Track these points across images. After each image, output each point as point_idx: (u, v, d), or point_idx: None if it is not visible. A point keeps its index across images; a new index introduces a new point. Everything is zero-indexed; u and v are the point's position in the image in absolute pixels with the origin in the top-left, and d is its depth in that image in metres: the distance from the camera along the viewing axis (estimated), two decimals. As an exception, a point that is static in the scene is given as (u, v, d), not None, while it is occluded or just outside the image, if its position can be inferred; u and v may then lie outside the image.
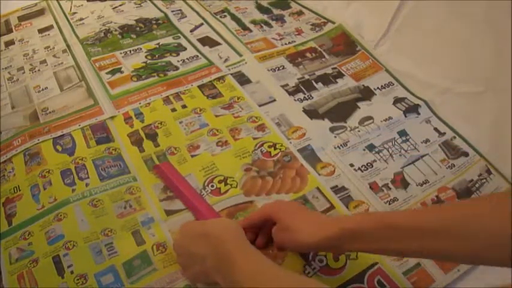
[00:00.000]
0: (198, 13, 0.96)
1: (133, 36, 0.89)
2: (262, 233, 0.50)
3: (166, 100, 0.72)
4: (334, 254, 0.51)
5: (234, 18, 0.93)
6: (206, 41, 0.87)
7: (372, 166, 0.61)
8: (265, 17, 0.94)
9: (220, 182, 0.59)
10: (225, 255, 0.40)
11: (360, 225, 0.41)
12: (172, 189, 0.59)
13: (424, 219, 0.39)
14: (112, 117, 0.70)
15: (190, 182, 0.59)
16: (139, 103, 0.72)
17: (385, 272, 0.50)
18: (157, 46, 0.86)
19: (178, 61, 0.81)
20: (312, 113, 0.70)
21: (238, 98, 0.72)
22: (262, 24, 0.91)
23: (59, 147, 0.65)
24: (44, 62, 0.84)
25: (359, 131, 0.67)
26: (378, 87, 0.74)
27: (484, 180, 0.60)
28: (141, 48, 0.85)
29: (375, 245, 0.41)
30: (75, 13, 0.98)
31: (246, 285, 0.37)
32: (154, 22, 0.93)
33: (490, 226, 0.35)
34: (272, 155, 0.63)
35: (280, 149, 0.64)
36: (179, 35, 0.89)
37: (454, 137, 0.65)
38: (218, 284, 0.42)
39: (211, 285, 0.48)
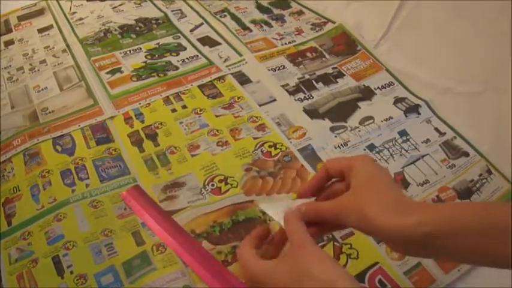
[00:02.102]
0: (198, 13, 0.96)
1: (133, 36, 0.89)
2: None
3: (167, 100, 0.72)
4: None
5: (234, 18, 0.93)
6: (206, 41, 0.87)
7: (373, 166, 0.61)
8: (265, 16, 0.94)
9: (220, 181, 0.59)
10: None
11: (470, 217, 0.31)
12: (144, 220, 0.53)
13: None
14: (112, 117, 0.69)
15: (191, 181, 0.59)
16: (139, 103, 0.71)
17: (386, 272, 0.50)
18: (157, 46, 0.85)
19: (178, 61, 0.81)
20: (312, 113, 0.70)
21: (238, 98, 0.72)
22: (262, 24, 0.91)
23: (58, 148, 0.64)
24: (43, 61, 0.84)
25: (359, 130, 0.67)
26: (378, 87, 0.74)
27: (485, 180, 0.60)
28: (140, 48, 0.85)
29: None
30: (74, 13, 0.98)
31: None
32: (154, 22, 0.93)
33: None
34: (272, 154, 0.63)
35: (280, 149, 0.64)
36: (179, 34, 0.89)
37: (455, 137, 0.65)
38: None
39: None
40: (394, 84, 0.75)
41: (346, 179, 0.38)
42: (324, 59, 0.81)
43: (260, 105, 0.71)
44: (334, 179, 0.40)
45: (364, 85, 0.75)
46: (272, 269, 0.34)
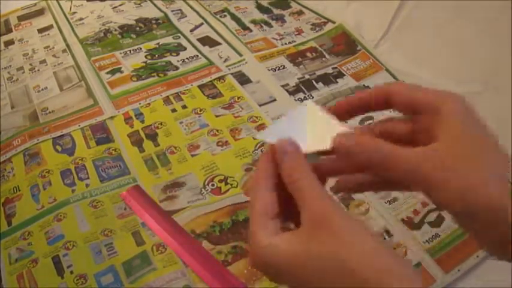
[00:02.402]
0: (198, 13, 0.96)
1: (133, 36, 0.89)
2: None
3: (167, 100, 0.72)
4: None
5: (234, 18, 0.93)
6: (206, 41, 0.87)
7: (373, 166, 0.61)
8: (265, 16, 0.94)
9: (220, 181, 0.59)
10: None
11: None
12: (144, 220, 0.53)
13: None
14: (112, 117, 0.69)
15: (191, 181, 0.59)
16: (140, 103, 0.71)
17: (385, 272, 0.50)
18: (157, 46, 0.85)
19: (178, 61, 0.81)
20: (312, 113, 0.70)
21: (238, 98, 0.72)
22: (262, 24, 0.91)
23: (58, 148, 0.64)
24: (43, 61, 0.84)
25: (359, 130, 0.67)
26: (378, 87, 0.74)
27: (485, 180, 0.60)
28: (141, 48, 0.85)
29: None
30: (74, 13, 0.98)
31: None
32: (154, 22, 0.93)
33: None
34: (272, 155, 0.63)
35: (280, 149, 0.64)
36: (179, 34, 0.89)
37: (455, 137, 0.65)
38: None
39: None
40: (394, 84, 0.75)
41: (421, 123, 0.26)
42: (324, 59, 0.81)
43: (260, 105, 0.71)
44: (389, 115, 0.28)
45: (364, 85, 0.75)
46: (292, 259, 0.23)
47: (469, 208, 0.23)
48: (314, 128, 0.27)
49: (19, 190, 0.59)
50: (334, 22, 0.89)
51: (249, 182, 0.59)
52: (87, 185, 0.59)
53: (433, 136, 0.24)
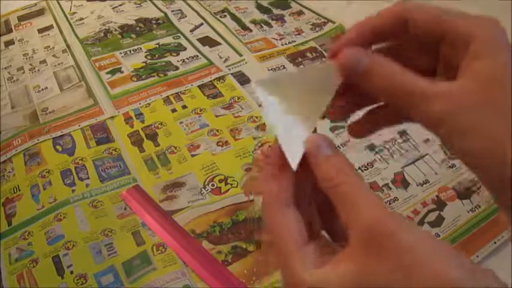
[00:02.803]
0: (198, 13, 0.96)
1: (133, 36, 0.89)
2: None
3: (167, 100, 0.72)
4: None
5: (234, 18, 0.93)
6: (206, 41, 0.87)
7: (373, 166, 0.61)
8: (265, 16, 0.94)
9: (220, 181, 0.59)
10: None
11: None
12: (144, 220, 0.54)
13: None
14: (112, 117, 0.69)
15: (191, 181, 0.59)
16: (140, 103, 0.72)
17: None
18: (157, 46, 0.85)
19: (178, 61, 0.81)
20: (312, 113, 0.70)
21: (238, 98, 0.72)
22: (262, 24, 0.91)
23: (58, 147, 0.65)
24: (43, 62, 0.84)
25: (359, 130, 0.67)
26: (378, 87, 0.74)
27: (485, 180, 0.60)
28: (141, 48, 0.85)
29: None
30: (75, 13, 0.98)
31: None
32: (154, 22, 0.93)
33: None
34: (272, 154, 0.63)
35: (280, 149, 0.64)
36: (179, 34, 0.89)
37: (455, 137, 0.65)
38: None
39: None
40: (394, 84, 0.75)
41: (443, 53, 0.22)
42: (324, 59, 0.81)
43: (260, 105, 0.71)
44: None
45: (364, 85, 0.75)
46: None
47: (493, 165, 0.19)
48: (297, 97, 0.22)
49: (19, 190, 0.59)
50: (334, 22, 0.89)
51: (247, 183, 0.59)
52: (87, 185, 0.59)
53: (459, 72, 0.20)
